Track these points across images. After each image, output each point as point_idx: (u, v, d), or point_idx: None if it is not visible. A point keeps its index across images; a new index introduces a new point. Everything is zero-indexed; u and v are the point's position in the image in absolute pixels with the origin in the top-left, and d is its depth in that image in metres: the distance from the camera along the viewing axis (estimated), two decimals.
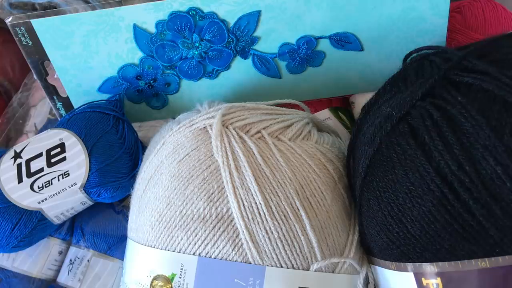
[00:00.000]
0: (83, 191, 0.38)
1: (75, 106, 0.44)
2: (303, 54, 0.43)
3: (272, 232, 0.30)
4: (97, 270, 0.42)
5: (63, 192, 0.37)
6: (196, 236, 0.31)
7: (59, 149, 0.38)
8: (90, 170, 0.38)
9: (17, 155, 0.38)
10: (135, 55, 0.42)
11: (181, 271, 0.30)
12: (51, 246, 0.43)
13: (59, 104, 0.45)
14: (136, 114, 0.46)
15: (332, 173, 0.34)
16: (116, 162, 0.39)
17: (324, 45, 0.42)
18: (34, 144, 0.38)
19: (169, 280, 0.31)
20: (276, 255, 0.30)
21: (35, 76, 0.43)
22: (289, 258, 0.30)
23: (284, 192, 0.31)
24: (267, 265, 0.30)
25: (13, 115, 0.51)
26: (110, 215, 0.44)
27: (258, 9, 0.40)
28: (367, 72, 0.44)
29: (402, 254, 0.29)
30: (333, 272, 0.32)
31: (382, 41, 0.42)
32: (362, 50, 0.43)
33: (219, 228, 0.31)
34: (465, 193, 0.26)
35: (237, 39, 0.42)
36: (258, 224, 0.30)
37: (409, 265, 0.29)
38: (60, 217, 0.39)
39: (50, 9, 0.42)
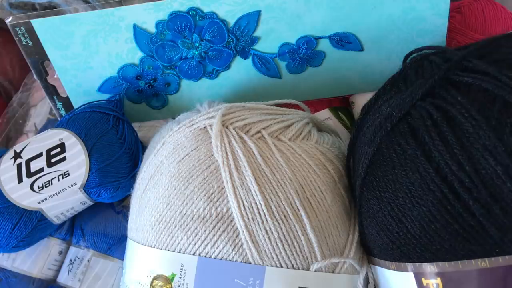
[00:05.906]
0: (83, 191, 0.38)
1: (75, 106, 0.44)
2: (303, 54, 0.43)
3: (272, 232, 0.30)
4: (97, 270, 0.42)
5: (63, 192, 0.37)
6: (196, 236, 0.31)
7: (59, 149, 0.38)
8: (90, 170, 0.38)
9: (17, 155, 0.38)
10: (135, 55, 0.42)
11: (181, 271, 0.30)
12: (51, 246, 0.43)
13: (59, 104, 0.45)
14: (136, 114, 0.46)
15: (332, 173, 0.34)
16: (116, 162, 0.39)
17: (324, 45, 0.42)
18: (34, 144, 0.38)
19: (169, 280, 0.31)
20: (276, 255, 0.30)
21: (35, 76, 0.43)
22: (289, 258, 0.30)
23: (284, 192, 0.31)
24: (267, 265, 0.30)
25: (13, 115, 0.51)
26: (110, 215, 0.44)
27: (258, 9, 0.40)
28: (367, 72, 0.44)
29: (402, 254, 0.29)
30: (333, 272, 0.32)
31: (382, 41, 0.42)
32: (362, 50, 0.43)
33: (219, 228, 0.31)
34: (465, 193, 0.26)
35: (237, 39, 0.42)
36: (258, 224, 0.30)
37: (409, 265, 0.29)
38: (60, 217, 0.39)
39: (50, 9, 0.42)
